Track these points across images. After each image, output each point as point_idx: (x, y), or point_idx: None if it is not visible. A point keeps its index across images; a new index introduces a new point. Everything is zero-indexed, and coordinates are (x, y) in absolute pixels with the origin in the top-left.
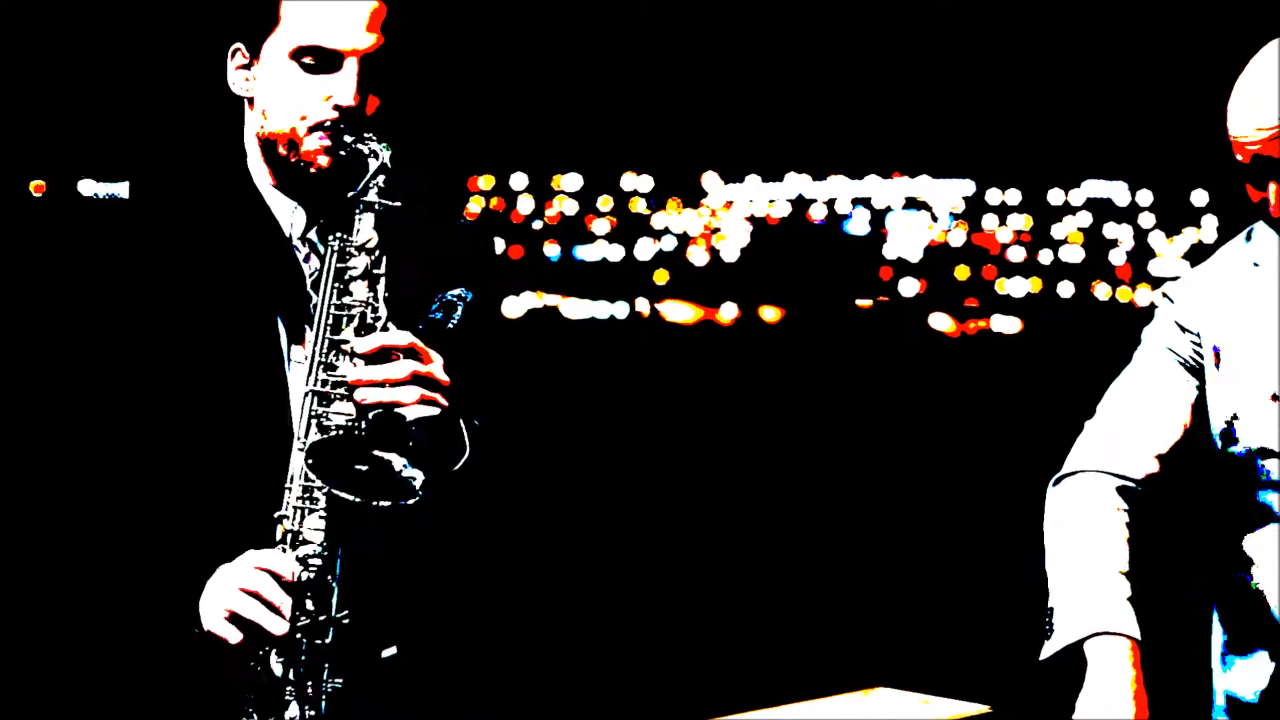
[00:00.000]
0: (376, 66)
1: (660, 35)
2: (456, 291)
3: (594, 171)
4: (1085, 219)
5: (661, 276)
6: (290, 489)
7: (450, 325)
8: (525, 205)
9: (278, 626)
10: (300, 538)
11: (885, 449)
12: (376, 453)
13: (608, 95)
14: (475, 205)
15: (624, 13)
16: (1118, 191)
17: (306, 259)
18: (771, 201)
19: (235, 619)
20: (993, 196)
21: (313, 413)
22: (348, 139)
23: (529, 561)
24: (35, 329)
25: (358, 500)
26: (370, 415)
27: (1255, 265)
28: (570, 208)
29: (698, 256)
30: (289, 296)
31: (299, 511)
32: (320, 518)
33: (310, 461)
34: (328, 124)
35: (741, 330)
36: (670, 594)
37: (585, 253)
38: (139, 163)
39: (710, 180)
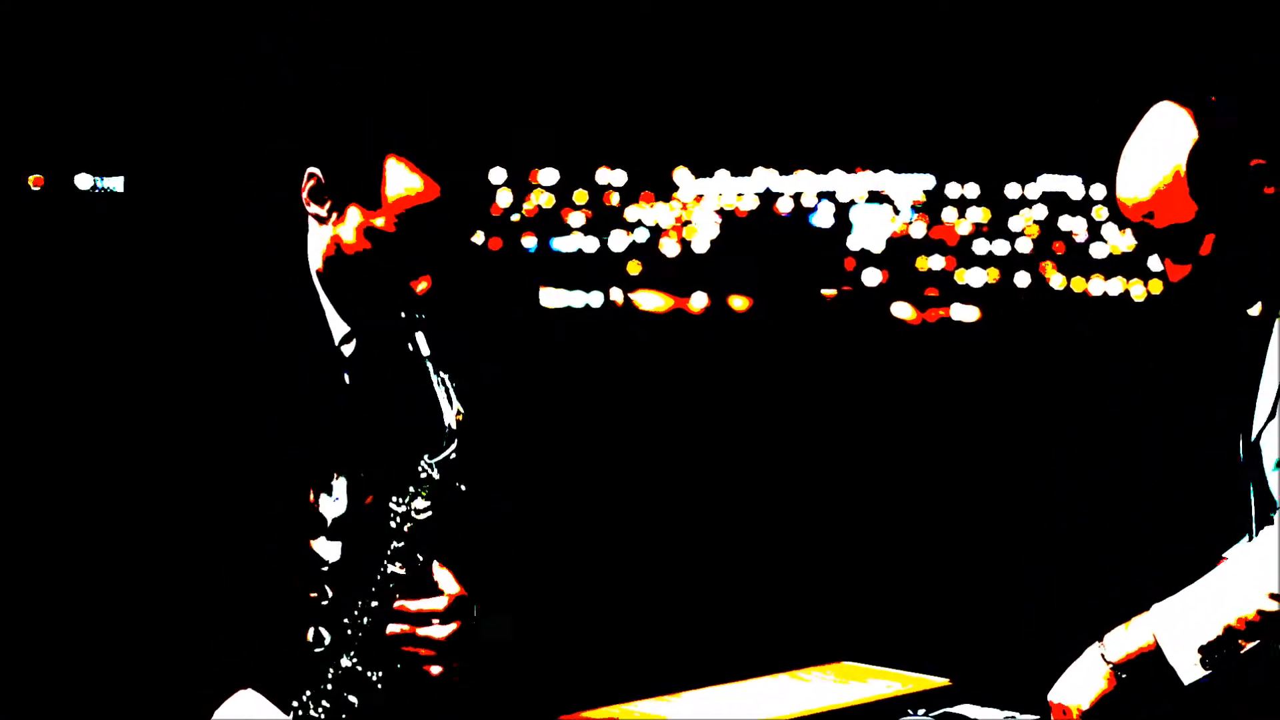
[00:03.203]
0: (443, 263)
1: (634, 36)
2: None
3: (570, 167)
4: (1041, 212)
5: (635, 267)
6: (314, 698)
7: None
8: (504, 199)
9: None
10: None
11: (849, 431)
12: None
13: (583, 93)
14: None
15: (599, 15)
16: (1072, 185)
17: (351, 377)
18: (740, 195)
19: None
20: (952, 190)
21: (348, 647)
22: (425, 351)
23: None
24: (34, 319)
25: None
26: (399, 666)
27: None
28: (547, 201)
29: (669, 248)
30: (325, 402)
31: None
32: None
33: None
34: (399, 301)
35: (711, 318)
36: (637, 570)
37: (561, 244)
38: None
39: (681, 175)
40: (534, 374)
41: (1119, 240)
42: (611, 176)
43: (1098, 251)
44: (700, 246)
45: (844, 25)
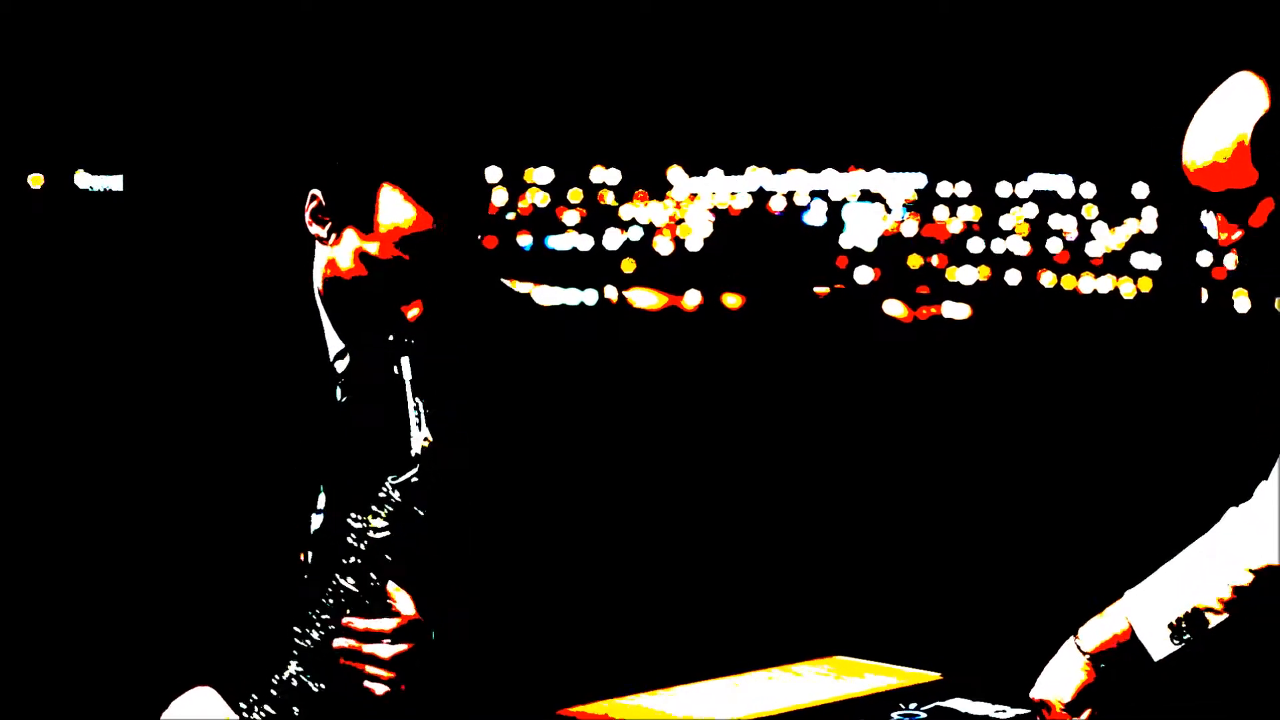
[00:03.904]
0: (436, 290)
1: (628, 36)
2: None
3: (565, 166)
4: (1031, 210)
5: (629, 265)
6: (258, 704)
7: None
8: (499, 198)
9: None
10: None
11: (840, 427)
12: None
13: (578, 93)
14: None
15: (592, 14)
16: (1062, 184)
17: (341, 393)
18: (733, 194)
19: None
20: (943, 189)
21: (294, 655)
22: (406, 376)
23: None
24: (34, 318)
25: None
26: (345, 680)
27: None
28: (542, 200)
29: (663, 246)
30: (318, 419)
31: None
32: None
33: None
34: (389, 328)
35: (705, 316)
36: (631, 565)
37: (556, 242)
38: (135, 157)
39: (675, 174)
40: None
41: (1109, 239)
42: (606, 175)
43: (1087, 250)
44: (694, 244)
45: (837, 27)
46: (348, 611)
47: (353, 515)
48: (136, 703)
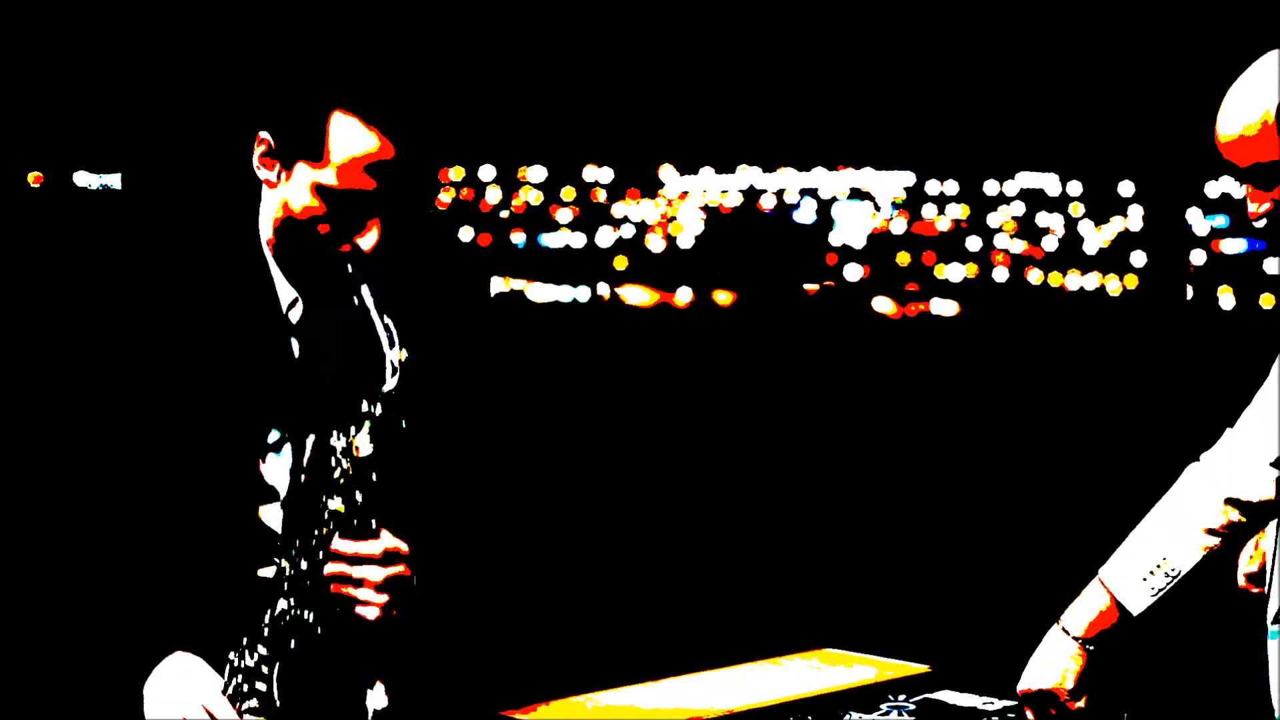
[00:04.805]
0: (392, 210)
1: (620, 35)
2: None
3: (558, 164)
4: (1019, 208)
5: (621, 262)
6: (251, 645)
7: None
8: (493, 196)
9: None
10: (247, 694)
11: (830, 422)
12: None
13: (571, 92)
14: (445, 196)
15: (585, 14)
16: (1049, 182)
17: (299, 343)
18: (724, 192)
19: None
20: (932, 187)
21: (284, 589)
22: (369, 301)
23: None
24: (32, 316)
25: None
26: (337, 609)
27: None
28: (535, 198)
29: (655, 244)
30: (274, 371)
31: (254, 671)
32: (267, 687)
33: (270, 654)
34: (345, 260)
35: (696, 313)
36: (620, 558)
37: (549, 240)
38: (134, 156)
39: (667, 172)
40: (522, 365)
41: (1096, 236)
42: (598, 174)
43: (1075, 247)
44: (685, 242)
45: (825, 30)
46: (335, 535)
47: (335, 434)
48: (115, 673)
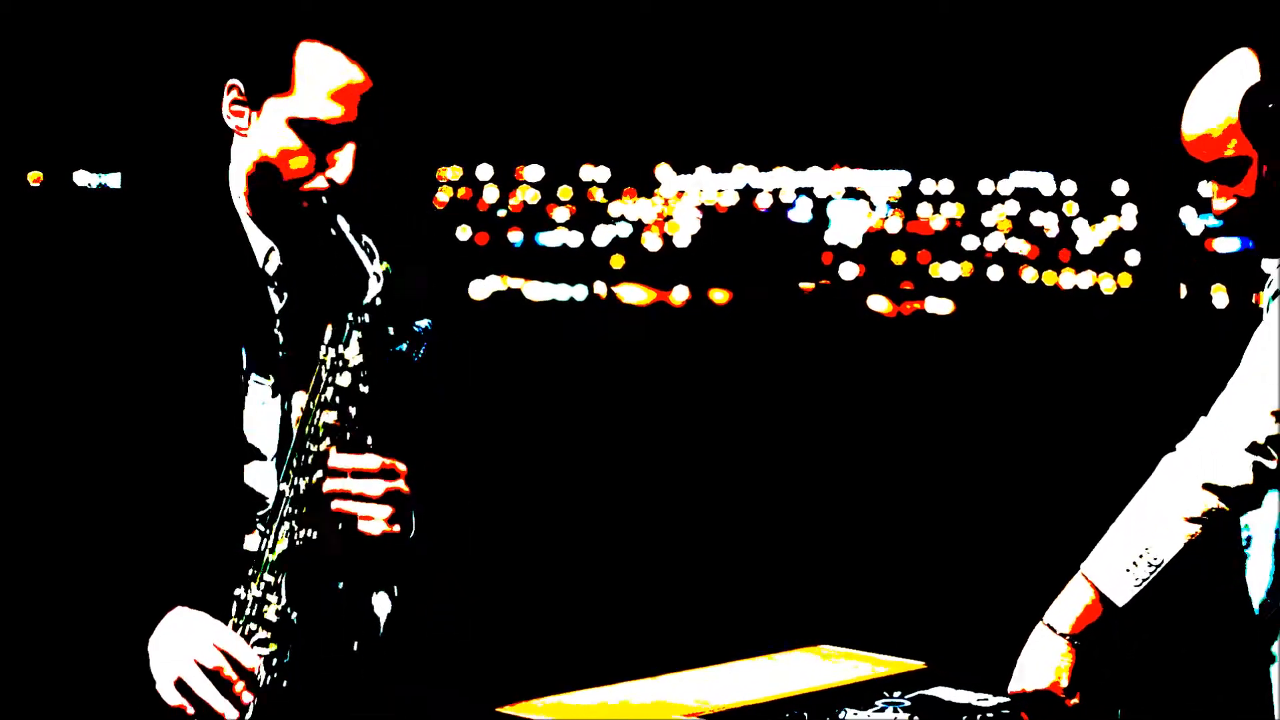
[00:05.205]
0: (368, 142)
1: (616, 35)
2: (423, 324)
3: (555, 163)
4: (1013, 207)
5: (618, 261)
6: (256, 576)
7: (416, 359)
8: (490, 195)
9: (231, 713)
10: (257, 623)
11: (826, 420)
12: (348, 578)
13: (568, 91)
14: (443, 195)
15: (582, 14)
16: (1044, 181)
17: (278, 294)
18: (721, 191)
19: (187, 691)
20: (927, 186)
21: (285, 513)
22: (345, 227)
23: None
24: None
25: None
26: (339, 526)
27: None
28: (532, 197)
29: (652, 242)
30: (254, 328)
31: (261, 600)
32: (278, 611)
33: (281, 580)
34: (320, 195)
35: (692, 311)
36: (618, 556)
37: (547, 239)
38: (130, 155)
39: (663, 171)
40: (519, 364)
41: (1090, 235)
42: (595, 173)
43: (1068, 246)
44: (682, 241)
45: (821, 30)
46: (331, 449)
47: (323, 347)
48: (114, 636)
